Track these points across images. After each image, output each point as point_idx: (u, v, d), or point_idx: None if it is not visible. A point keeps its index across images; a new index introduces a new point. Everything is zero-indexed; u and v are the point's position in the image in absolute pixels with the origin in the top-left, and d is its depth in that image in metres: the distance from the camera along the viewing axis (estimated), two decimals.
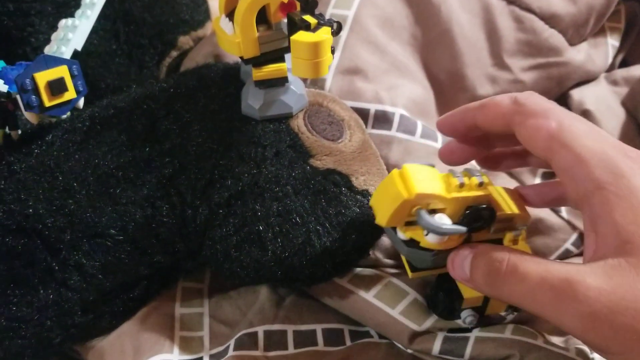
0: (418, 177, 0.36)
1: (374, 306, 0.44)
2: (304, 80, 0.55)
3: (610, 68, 0.72)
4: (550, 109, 0.34)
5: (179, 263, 0.46)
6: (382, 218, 0.37)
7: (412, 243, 0.38)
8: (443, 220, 0.35)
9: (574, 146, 0.32)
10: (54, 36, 0.49)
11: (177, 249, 0.44)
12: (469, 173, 0.37)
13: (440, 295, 0.42)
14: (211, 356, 0.44)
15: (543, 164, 0.39)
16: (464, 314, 0.42)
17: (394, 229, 0.38)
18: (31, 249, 0.42)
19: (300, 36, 0.38)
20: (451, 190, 0.36)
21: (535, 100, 0.35)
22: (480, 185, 0.36)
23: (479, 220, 0.36)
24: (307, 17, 0.39)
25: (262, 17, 0.40)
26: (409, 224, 0.37)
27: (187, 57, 0.63)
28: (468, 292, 0.41)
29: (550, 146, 0.33)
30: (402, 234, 0.38)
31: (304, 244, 0.41)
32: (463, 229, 0.36)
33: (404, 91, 0.56)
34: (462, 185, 0.36)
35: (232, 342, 0.43)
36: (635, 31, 0.74)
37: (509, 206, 0.38)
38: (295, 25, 0.39)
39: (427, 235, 0.36)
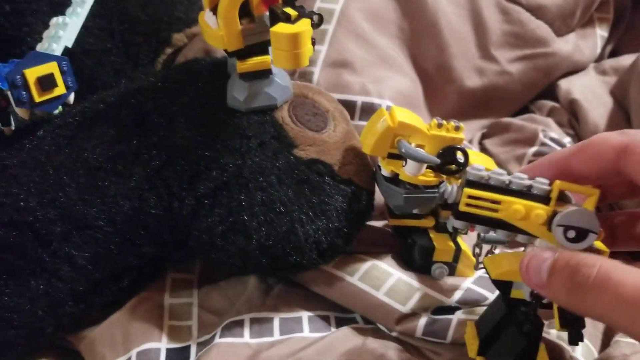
0: (403, 114, 0.41)
1: (360, 289, 0.44)
2: (292, 73, 0.55)
3: (600, 58, 0.72)
4: None
5: (167, 253, 0.47)
6: (368, 146, 0.43)
7: (392, 180, 0.43)
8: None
9: None
10: (45, 34, 0.50)
11: (164, 240, 0.45)
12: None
13: (415, 247, 0.46)
14: (199, 344, 0.45)
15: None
16: (434, 266, 0.45)
17: (379, 167, 0.44)
18: (23, 241, 0.43)
19: (280, 28, 0.39)
20: (431, 129, 0.41)
21: None
22: (457, 129, 0.41)
23: (454, 159, 0.40)
24: (288, 9, 0.40)
25: (246, 10, 0.41)
26: (392, 157, 0.43)
27: (181, 54, 0.64)
28: (440, 244, 0.45)
29: None
30: (385, 170, 0.43)
31: (288, 232, 0.42)
32: (436, 159, 0.40)
33: (391, 83, 0.57)
34: (440, 126, 0.41)
35: (218, 330, 0.44)
36: (624, 22, 0.74)
37: (484, 163, 0.40)
38: (277, 18, 0.40)
39: (405, 166, 0.41)
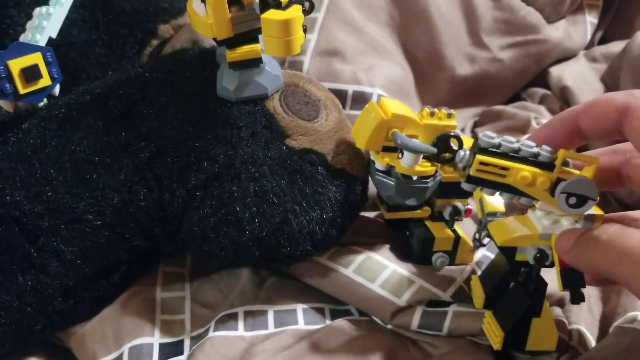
0: (394, 105, 0.41)
1: (354, 281, 0.44)
2: (281, 62, 0.55)
3: (590, 45, 0.72)
4: None
5: (158, 247, 0.46)
6: (361, 141, 0.42)
7: (387, 174, 0.43)
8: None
9: None
10: (28, 24, 0.49)
11: (155, 233, 0.44)
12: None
13: (414, 239, 0.45)
14: (192, 338, 0.44)
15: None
16: (435, 256, 0.45)
17: (373, 162, 0.44)
18: (9, 236, 0.42)
19: (271, 14, 0.38)
20: (423, 118, 0.42)
21: None
22: (449, 116, 0.41)
23: (448, 146, 0.41)
24: None
25: None
26: (386, 150, 0.42)
27: (167, 45, 0.63)
28: (439, 233, 0.45)
29: None
30: (379, 163, 0.43)
31: (282, 223, 0.41)
32: (432, 149, 0.41)
33: (382, 71, 0.56)
34: (432, 114, 0.42)
35: (212, 324, 0.44)
36: (614, 8, 0.74)
37: None
38: (267, 4, 0.39)
39: (401, 158, 0.41)
